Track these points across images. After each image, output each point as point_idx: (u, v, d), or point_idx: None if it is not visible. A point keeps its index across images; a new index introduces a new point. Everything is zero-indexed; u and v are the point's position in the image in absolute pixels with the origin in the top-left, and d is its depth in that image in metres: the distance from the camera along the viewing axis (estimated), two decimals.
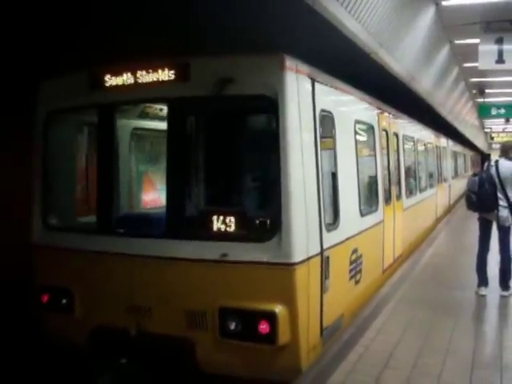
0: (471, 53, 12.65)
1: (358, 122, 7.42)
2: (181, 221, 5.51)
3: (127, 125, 7.07)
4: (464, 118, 27.56)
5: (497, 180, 7.51)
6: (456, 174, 22.93)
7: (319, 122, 5.72)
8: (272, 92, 5.07)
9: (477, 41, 11.39)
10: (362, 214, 7.24)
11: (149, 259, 5.40)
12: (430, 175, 15.03)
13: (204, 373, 5.30)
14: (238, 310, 5.03)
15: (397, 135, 10.16)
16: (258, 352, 5.07)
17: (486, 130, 42.70)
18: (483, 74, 16.59)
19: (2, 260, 7.66)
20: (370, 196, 8.11)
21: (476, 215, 8.01)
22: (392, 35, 9.17)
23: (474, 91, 21.99)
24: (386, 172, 9.08)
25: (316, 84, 5.73)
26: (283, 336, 4.96)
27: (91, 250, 5.73)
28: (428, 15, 10.34)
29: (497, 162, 7.72)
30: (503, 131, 39.95)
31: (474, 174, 7.96)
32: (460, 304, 7.39)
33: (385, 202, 8.64)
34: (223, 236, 5.27)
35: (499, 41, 11.03)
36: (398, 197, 9.85)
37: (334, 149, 6.22)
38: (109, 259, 5.65)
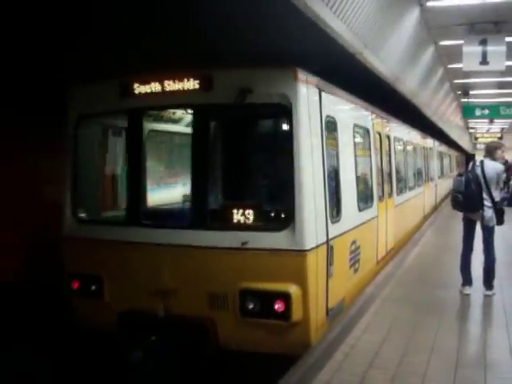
0: (456, 54, 12.75)
1: (356, 125, 8.15)
2: (205, 213, 6.11)
3: (153, 128, 7.70)
4: (449, 118, 27.76)
5: (482, 180, 7.57)
6: (442, 174, 23.84)
7: (325, 126, 6.40)
8: (287, 101, 5.76)
9: (461, 42, 11.49)
10: (360, 209, 7.88)
11: (175, 248, 6.01)
12: (418, 175, 15.70)
13: (225, 350, 5.90)
14: (257, 291, 5.66)
15: (388, 137, 10.85)
16: (273, 329, 5.69)
17: (471, 131, 43.08)
18: (468, 75, 16.73)
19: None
20: (365, 193, 8.67)
21: (460, 215, 8.06)
22: (377, 36, 9.20)
23: (459, 92, 22.16)
24: (380, 171, 9.68)
25: (322, 93, 6.41)
26: (296, 314, 5.59)
27: (120, 241, 6.32)
28: (413, 16, 10.39)
29: (482, 162, 7.77)
30: (487, 132, 40.33)
31: (460, 174, 7.97)
32: (444, 303, 7.44)
33: (378, 198, 9.25)
34: (243, 226, 5.89)
35: (483, 42, 11.14)
36: (390, 194, 10.46)
37: (336, 150, 6.93)
38: (137, 248, 6.18)
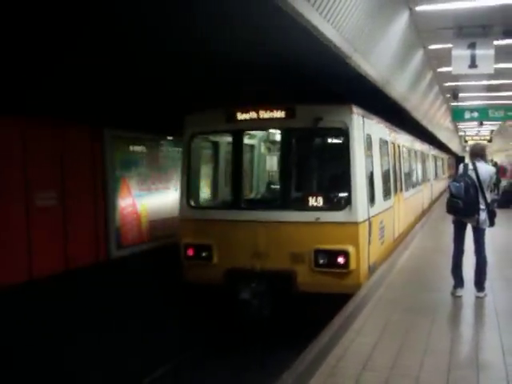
0: (445, 57, 12.83)
1: (380, 139, 10.79)
2: (290, 199, 9.04)
3: (249, 143, 11.21)
4: (438, 121, 27.91)
5: (477, 184, 7.52)
6: (436, 175, 26.67)
7: (365, 141, 9.18)
8: (345, 125, 8.55)
9: (450, 46, 11.56)
10: (384, 199, 10.55)
11: (267, 223, 8.65)
12: (419, 175, 18.52)
13: (302, 293, 8.32)
14: (326, 250, 8.32)
15: (399, 146, 13.43)
16: (336, 275, 8.34)
17: (461, 134, 43.31)
18: (457, 78, 16.82)
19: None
20: (387, 188, 11.17)
21: (450, 217, 8.06)
22: (367, 40, 9.24)
23: (448, 95, 22.28)
24: (394, 172, 12.22)
25: (364, 119, 9.20)
26: (352, 265, 8.27)
27: (226, 219, 8.99)
28: (402, 20, 10.46)
29: (474, 165, 7.70)
30: (477, 134, 40.54)
31: (454, 180, 7.81)
32: (436, 305, 7.47)
33: (394, 192, 11.87)
34: (316, 208, 8.62)
35: (472, 46, 11.20)
36: (400, 190, 13.01)
37: (371, 157, 9.72)
38: (238, 225, 8.86)
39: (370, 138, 9.63)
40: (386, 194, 10.89)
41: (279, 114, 8.83)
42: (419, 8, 10.18)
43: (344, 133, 8.58)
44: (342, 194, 8.89)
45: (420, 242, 13.28)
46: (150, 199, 12.61)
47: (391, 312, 7.18)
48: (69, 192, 9.87)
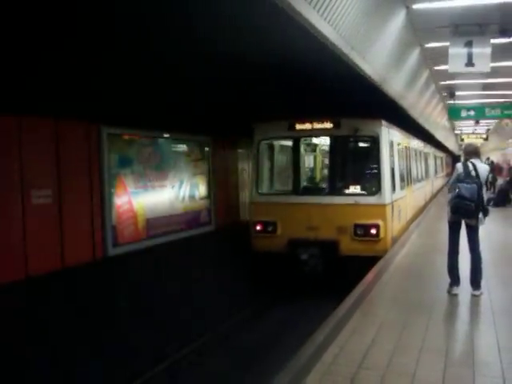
0: (441, 56, 12.85)
1: (397, 143, 13.92)
2: (336, 187, 12.30)
3: (305, 148, 14.41)
4: (435, 120, 27.94)
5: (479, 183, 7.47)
6: (436, 173, 29.91)
7: (389, 145, 12.32)
8: (376, 134, 11.77)
9: (447, 44, 11.57)
10: (401, 189, 13.72)
11: (319, 205, 11.81)
12: (423, 172, 21.51)
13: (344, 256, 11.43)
14: (362, 224, 11.39)
15: (409, 148, 16.67)
16: (370, 242, 11.38)
17: (457, 132, 43.39)
18: (453, 76, 16.85)
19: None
20: (402, 180, 14.30)
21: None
22: (363, 38, 9.24)
23: (445, 94, 22.31)
24: (405, 168, 15.28)
25: (388, 129, 12.47)
26: (381, 234, 11.38)
27: (288, 202, 12.22)
28: (399, 18, 10.46)
29: (474, 164, 7.64)
30: (473, 133, 40.62)
31: (459, 180, 7.53)
32: (432, 303, 7.47)
33: (406, 185, 15.08)
34: (356, 194, 11.91)
35: (468, 44, 11.23)
36: (410, 183, 16.25)
37: (393, 156, 12.75)
38: (297, 206, 11.97)
39: (392, 143, 12.79)
40: (402, 186, 14.05)
41: (328, 125, 11.93)
42: (416, 6, 10.19)
43: (376, 140, 11.81)
44: (373, 184, 11.95)
45: (416, 239, 13.30)
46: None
47: (387, 310, 7.19)
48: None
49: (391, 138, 12.63)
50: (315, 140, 14.44)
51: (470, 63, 11.28)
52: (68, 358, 7.97)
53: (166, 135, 12.15)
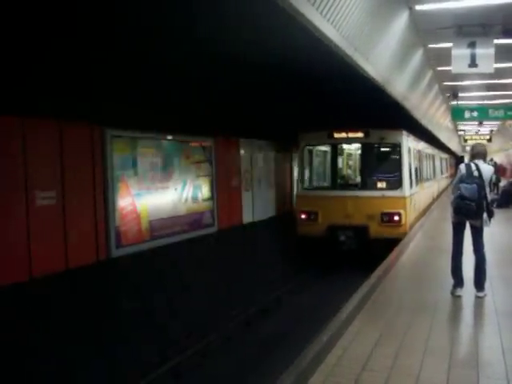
0: (445, 56, 12.82)
1: (414, 148, 17.00)
2: (366, 183, 15.67)
3: (342, 152, 18.97)
4: (438, 121, 27.90)
5: (482, 184, 7.44)
6: (441, 173, 32.52)
7: (408, 150, 15.38)
8: (399, 143, 15.10)
9: (450, 45, 11.54)
10: (416, 185, 16.81)
11: (353, 197, 14.92)
12: (431, 173, 24.40)
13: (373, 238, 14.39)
14: (387, 212, 14.43)
15: (420, 152, 19.62)
16: (393, 227, 14.36)
17: (460, 133, 43.29)
18: (456, 77, 16.82)
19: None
20: (417, 179, 17.27)
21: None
22: (367, 39, 9.23)
23: (448, 94, 22.26)
24: (418, 169, 18.15)
25: (408, 137, 15.70)
26: (403, 221, 14.45)
27: (328, 196, 15.52)
28: (402, 19, 10.44)
29: (477, 165, 7.62)
30: (476, 134, 40.52)
31: (461, 180, 7.56)
32: (436, 305, 7.46)
33: (420, 182, 18.23)
34: (382, 188, 15.17)
35: (472, 45, 11.18)
36: (422, 182, 19.18)
37: (410, 160, 15.67)
38: (336, 198, 15.12)
39: (410, 149, 15.89)
40: (416, 183, 17.09)
41: (360, 134, 15.22)
42: (419, 7, 10.16)
43: (398, 146, 15.04)
44: (396, 181, 14.94)
45: (419, 241, 13.30)
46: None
47: (390, 311, 7.18)
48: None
49: (410, 145, 15.84)
50: (349, 146, 18.67)
51: (473, 64, 11.23)
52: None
53: (169, 137, 12.14)
